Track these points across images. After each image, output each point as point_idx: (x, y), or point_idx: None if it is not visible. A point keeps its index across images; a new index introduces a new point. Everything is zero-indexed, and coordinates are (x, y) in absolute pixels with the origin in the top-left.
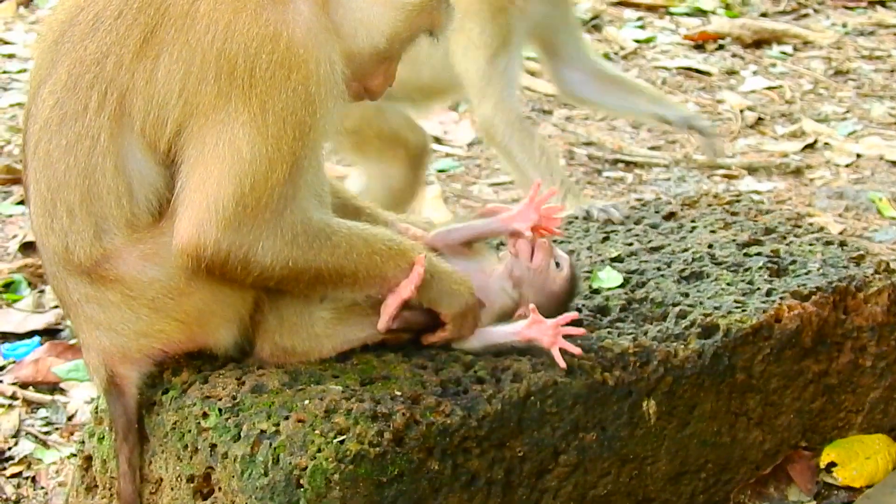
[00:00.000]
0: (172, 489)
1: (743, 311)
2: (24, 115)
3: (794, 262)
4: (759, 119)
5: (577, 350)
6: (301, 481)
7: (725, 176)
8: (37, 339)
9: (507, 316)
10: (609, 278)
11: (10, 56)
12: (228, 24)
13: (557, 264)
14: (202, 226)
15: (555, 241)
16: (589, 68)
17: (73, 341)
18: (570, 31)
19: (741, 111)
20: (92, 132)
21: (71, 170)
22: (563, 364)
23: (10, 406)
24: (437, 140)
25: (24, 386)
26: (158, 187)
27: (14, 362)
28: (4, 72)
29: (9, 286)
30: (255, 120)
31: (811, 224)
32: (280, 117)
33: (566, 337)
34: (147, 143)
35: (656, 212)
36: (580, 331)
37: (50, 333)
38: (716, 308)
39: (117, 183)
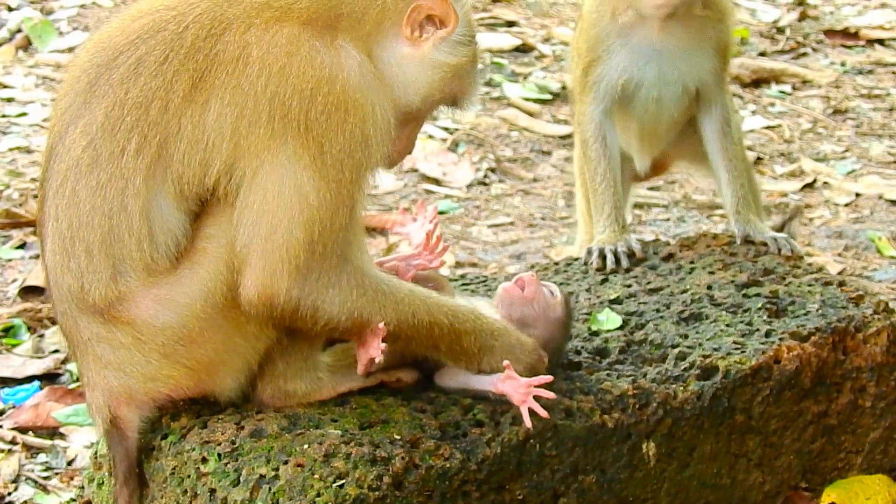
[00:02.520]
0: None
1: (742, 352)
2: (45, 153)
3: (793, 302)
4: (759, 158)
5: (543, 413)
6: None
7: (725, 216)
8: (36, 383)
9: None
10: (608, 320)
11: (10, 100)
12: (283, 68)
13: (551, 292)
14: (274, 275)
15: (557, 283)
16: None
17: (72, 386)
18: (709, 81)
19: None
20: (126, 174)
21: (96, 210)
22: (529, 423)
23: (10, 451)
24: (436, 181)
25: (23, 431)
26: (178, 235)
27: (14, 407)
28: (3, 115)
29: (8, 331)
30: (314, 163)
31: (810, 264)
32: (338, 160)
33: (538, 396)
34: (178, 190)
35: (655, 253)
36: (550, 395)
37: (49, 378)
38: (715, 349)
39: (141, 227)
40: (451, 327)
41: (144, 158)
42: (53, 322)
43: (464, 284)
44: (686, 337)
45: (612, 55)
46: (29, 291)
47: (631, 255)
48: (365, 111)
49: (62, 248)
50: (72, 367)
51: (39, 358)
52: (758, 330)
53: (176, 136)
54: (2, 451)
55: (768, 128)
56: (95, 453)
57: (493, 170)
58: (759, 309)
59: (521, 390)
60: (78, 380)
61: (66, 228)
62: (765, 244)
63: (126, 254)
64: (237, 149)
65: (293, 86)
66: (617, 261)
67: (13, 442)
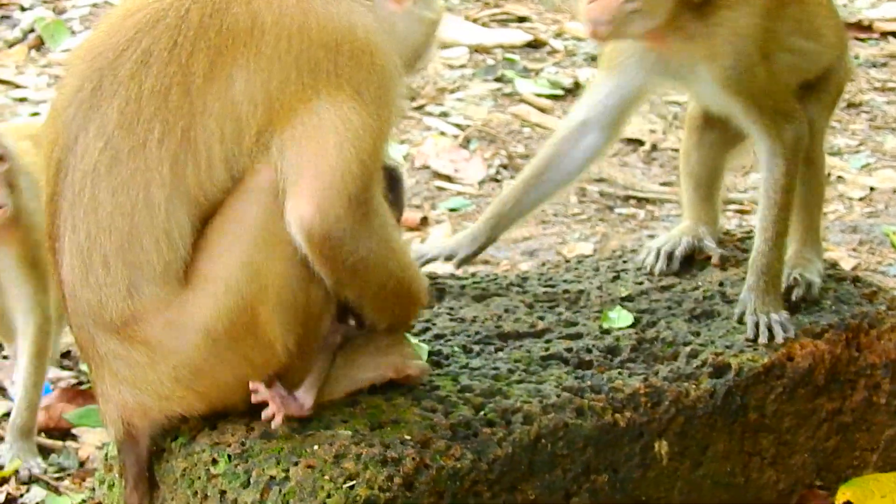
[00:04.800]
0: None
1: (755, 349)
2: (50, 169)
3: (806, 298)
4: None
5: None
6: None
7: (738, 211)
8: (47, 384)
9: None
10: (620, 318)
11: (22, 100)
12: (301, 27)
13: None
14: (330, 190)
15: (565, 282)
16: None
17: (84, 387)
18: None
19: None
20: (151, 165)
21: (117, 210)
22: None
23: None
24: (448, 178)
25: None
26: (188, 241)
27: None
28: (16, 115)
29: None
30: (354, 98)
31: (824, 260)
32: (377, 96)
33: None
34: (199, 188)
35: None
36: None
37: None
38: (727, 347)
39: (163, 219)
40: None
41: (170, 146)
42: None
43: (475, 283)
44: (698, 334)
45: (621, 69)
46: None
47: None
48: (387, 55)
49: (80, 261)
50: (84, 367)
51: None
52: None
53: (202, 116)
54: None
55: None
56: (106, 455)
57: (505, 166)
58: None
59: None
60: (88, 380)
61: (84, 239)
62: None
63: (143, 258)
64: (270, 111)
65: (316, 41)
66: (670, 260)
67: None
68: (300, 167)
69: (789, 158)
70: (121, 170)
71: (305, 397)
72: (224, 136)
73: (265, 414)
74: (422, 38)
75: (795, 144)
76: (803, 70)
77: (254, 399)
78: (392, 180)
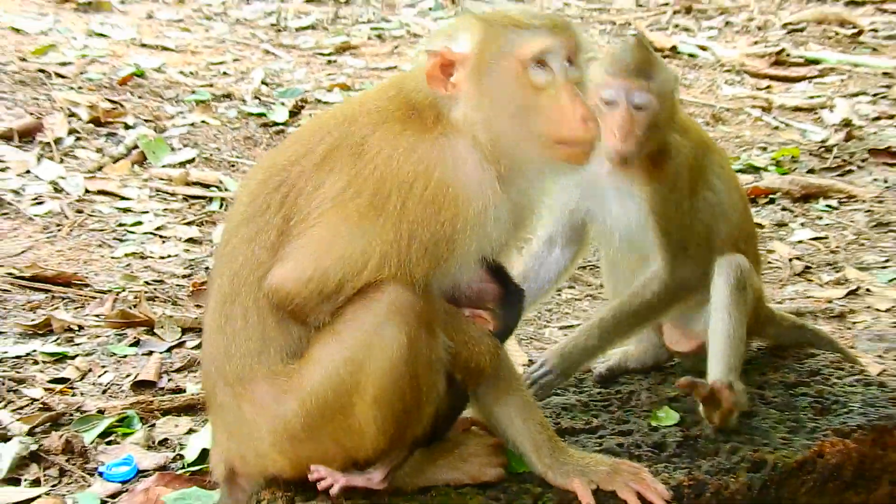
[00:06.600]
0: None
1: (789, 447)
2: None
3: (836, 402)
4: (807, 268)
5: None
6: None
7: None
8: (134, 465)
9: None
10: (667, 417)
11: (126, 210)
12: (388, 159)
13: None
14: (290, 279)
15: (618, 383)
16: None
17: (180, 472)
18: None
19: (790, 260)
20: (268, 227)
21: (248, 262)
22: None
23: None
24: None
25: None
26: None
27: (126, 490)
28: (120, 224)
29: (123, 421)
30: (399, 240)
31: (853, 367)
32: (423, 246)
33: None
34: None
35: None
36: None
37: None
38: (764, 444)
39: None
40: None
41: (282, 214)
42: (164, 413)
43: (533, 384)
44: (738, 432)
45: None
46: (141, 385)
47: None
48: (458, 207)
49: (221, 308)
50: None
51: (150, 448)
52: (804, 427)
53: (303, 195)
54: None
55: (816, 239)
56: None
57: (583, 267)
58: (805, 407)
59: None
60: (185, 466)
61: (227, 283)
62: None
63: (269, 330)
64: (334, 207)
65: (394, 176)
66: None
67: None
68: (300, 250)
69: (667, 288)
70: (251, 224)
71: (375, 473)
72: (308, 217)
73: (322, 485)
74: (507, 86)
75: (680, 283)
76: (718, 215)
77: (311, 477)
78: (510, 299)
